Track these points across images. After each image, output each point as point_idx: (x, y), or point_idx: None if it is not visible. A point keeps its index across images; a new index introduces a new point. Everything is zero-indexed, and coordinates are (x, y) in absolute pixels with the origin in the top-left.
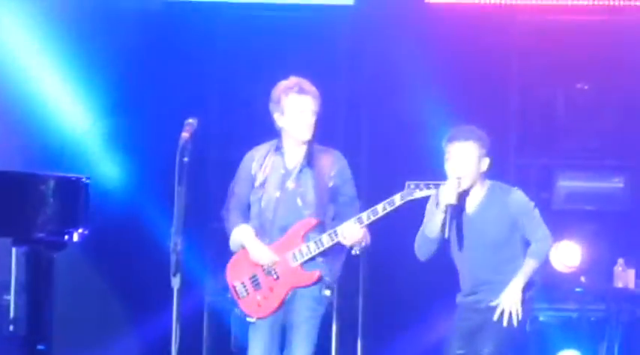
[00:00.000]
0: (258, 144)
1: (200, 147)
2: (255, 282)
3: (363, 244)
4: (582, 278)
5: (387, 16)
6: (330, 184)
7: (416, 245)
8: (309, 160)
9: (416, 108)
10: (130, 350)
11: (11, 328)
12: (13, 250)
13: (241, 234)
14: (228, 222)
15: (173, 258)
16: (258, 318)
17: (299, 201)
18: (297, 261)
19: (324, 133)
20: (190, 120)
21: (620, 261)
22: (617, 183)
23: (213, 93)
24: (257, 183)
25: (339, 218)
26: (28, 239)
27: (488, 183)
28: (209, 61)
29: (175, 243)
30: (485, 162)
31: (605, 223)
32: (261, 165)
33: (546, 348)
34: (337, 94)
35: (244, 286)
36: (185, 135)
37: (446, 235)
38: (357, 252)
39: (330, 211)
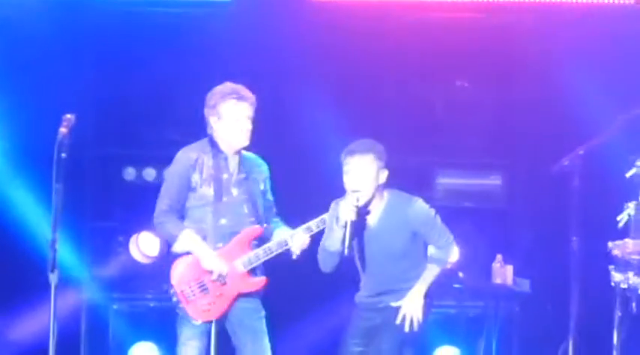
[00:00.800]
0: (137, 141)
1: (78, 144)
2: (203, 287)
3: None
4: (460, 275)
5: (265, 13)
6: (262, 189)
7: (319, 257)
8: (247, 166)
9: (296, 107)
10: (7, 346)
11: None
12: None
13: (188, 240)
14: (167, 224)
15: (50, 254)
16: (204, 322)
17: (245, 208)
18: (245, 268)
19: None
20: (68, 116)
21: (499, 257)
22: (494, 180)
23: (90, 89)
24: (197, 187)
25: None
26: None
27: (387, 193)
28: (87, 56)
29: (53, 239)
30: (384, 174)
31: (483, 220)
32: (198, 168)
33: (424, 345)
34: None
35: (191, 290)
36: (63, 130)
37: (346, 252)
38: (296, 257)
39: None
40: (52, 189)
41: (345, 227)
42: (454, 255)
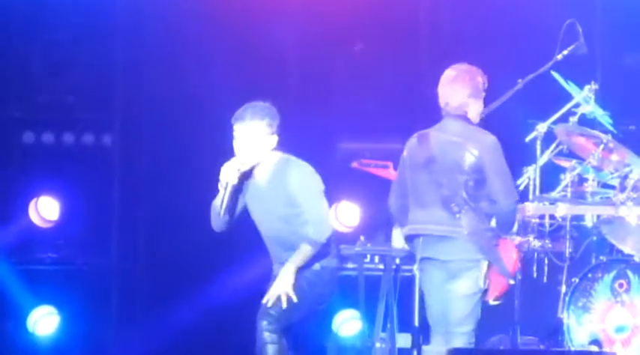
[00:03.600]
0: (35, 105)
1: None
2: None
3: None
4: (361, 238)
5: None
6: None
7: (211, 217)
8: None
9: (198, 75)
10: None
11: None
12: None
13: None
14: None
15: None
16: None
17: None
18: None
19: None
20: None
21: None
22: (394, 144)
23: None
24: None
25: None
26: None
27: (277, 156)
28: None
29: None
30: (273, 140)
31: (384, 184)
32: None
33: (326, 308)
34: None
35: None
36: None
37: (221, 214)
38: None
39: None
40: None
41: (226, 188)
42: (324, 235)
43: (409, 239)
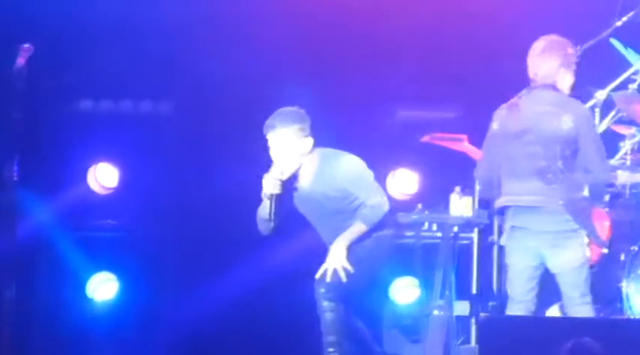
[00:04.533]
0: (93, 72)
1: (34, 74)
2: None
3: None
4: (419, 206)
5: None
6: None
7: (257, 223)
8: None
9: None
10: None
11: None
12: None
13: None
14: None
15: (10, 184)
16: None
17: None
18: None
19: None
20: (26, 46)
21: (457, 188)
22: (453, 113)
23: (46, 17)
24: None
25: None
26: None
27: (317, 153)
28: None
29: (11, 170)
30: (308, 142)
31: (443, 151)
32: None
33: (383, 275)
34: None
35: None
36: (21, 61)
37: (271, 224)
38: None
39: None
40: (8, 119)
41: (271, 199)
42: (380, 214)
43: (502, 210)
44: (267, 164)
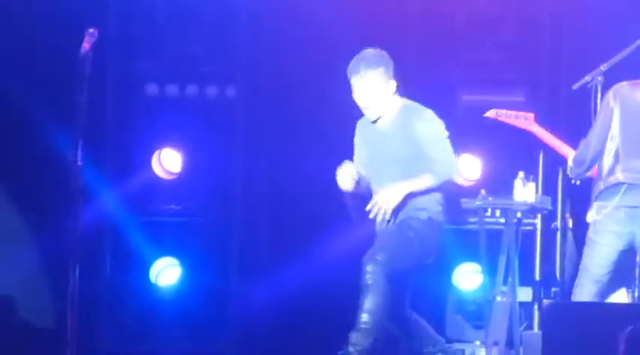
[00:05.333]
0: (159, 56)
1: (100, 58)
2: None
3: None
4: (482, 192)
5: None
6: None
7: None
8: None
9: (317, 27)
10: (29, 260)
11: None
12: None
13: None
14: None
15: (73, 170)
16: None
17: None
18: None
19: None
20: (91, 31)
21: (521, 174)
22: (517, 97)
23: (113, 2)
24: None
25: None
26: None
27: (400, 102)
28: None
29: (75, 155)
30: (392, 85)
31: (506, 137)
32: None
33: (446, 261)
34: None
35: None
36: (86, 45)
37: (353, 219)
38: None
39: None
40: (74, 104)
41: (346, 196)
42: (449, 173)
43: (619, 187)
44: (332, 149)
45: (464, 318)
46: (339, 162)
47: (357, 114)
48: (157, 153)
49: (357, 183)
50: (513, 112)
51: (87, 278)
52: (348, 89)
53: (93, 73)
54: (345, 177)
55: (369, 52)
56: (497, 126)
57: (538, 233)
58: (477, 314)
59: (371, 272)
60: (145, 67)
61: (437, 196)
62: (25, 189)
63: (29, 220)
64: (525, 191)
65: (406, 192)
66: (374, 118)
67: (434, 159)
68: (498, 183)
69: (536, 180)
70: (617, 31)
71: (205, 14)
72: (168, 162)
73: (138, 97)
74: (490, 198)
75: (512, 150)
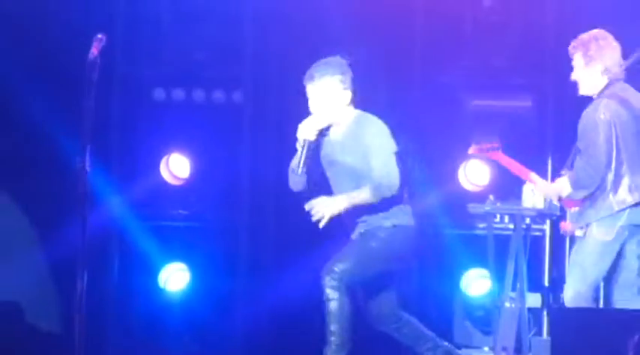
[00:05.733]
0: (166, 61)
1: (107, 63)
2: None
3: None
4: (491, 197)
5: None
6: None
7: (288, 177)
8: None
9: (322, 29)
10: (36, 266)
11: None
12: None
13: None
14: None
15: (80, 175)
16: None
17: None
18: None
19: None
20: (99, 36)
21: None
22: (524, 102)
23: (119, 8)
24: None
25: None
26: None
27: (355, 113)
28: None
29: (82, 160)
30: (347, 95)
31: (514, 142)
32: None
33: (454, 266)
34: None
35: None
36: (94, 51)
37: (299, 171)
38: None
39: None
40: (81, 109)
41: (303, 147)
42: (385, 186)
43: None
44: None
45: (472, 324)
46: None
47: None
48: (165, 158)
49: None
50: (484, 145)
51: (95, 283)
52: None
53: (100, 78)
54: (308, 126)
55: (329, 59)
56: (506, 131)
57: (547, 238)
58: (486, 320)
59: (329, 285)
60: (151, 71)
61: (402, 204)
62: (33, 194)
63: (37, 225)
64: (534, 197)
65: (343, 205)
66: (320, 126)
67: (373, 170)
68: (507, 189)
69: None
70: (624, 36)
71: (211, 18)
72: (176, 167)
73: (145, 102)
74: (499, 204)
75: (520, 156)
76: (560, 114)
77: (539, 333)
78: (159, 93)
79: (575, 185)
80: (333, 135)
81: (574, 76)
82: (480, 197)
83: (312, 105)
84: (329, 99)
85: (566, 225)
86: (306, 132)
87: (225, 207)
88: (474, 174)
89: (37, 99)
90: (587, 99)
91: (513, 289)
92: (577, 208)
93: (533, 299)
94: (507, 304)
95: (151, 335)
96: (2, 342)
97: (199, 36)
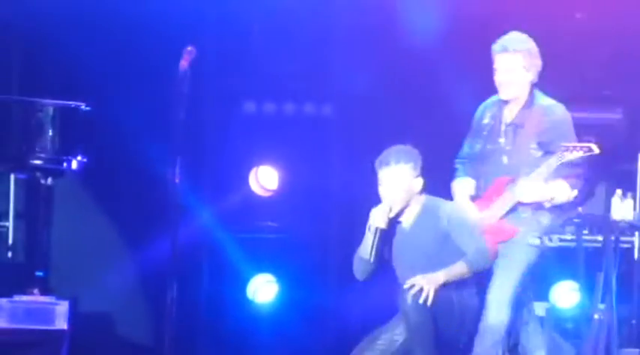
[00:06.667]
0: (257, 74)
1: (198, 76)
2: None
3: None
4: (580, 209)
5: None
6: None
7: (354, 265)
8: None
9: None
10: (127, 277)
11: (10, 255)
12: (12, 177)
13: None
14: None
15: (172, 187)
16: None
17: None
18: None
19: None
20: (189, 48)
21: (618, 191)
22: (615, 114)
23: (210, 20)
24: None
25: None
26: (27, 166)
27: (423, 198)
28: None
29: (174, 172)
30: (419, 183)
31: (604, 154)
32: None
33: (544, 279)
34: None
35: None
36: (184, 63)
37: (371, 259)
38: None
39: None
40: (172, 121)
41: (375, 234)
42: (482, 263)
43: None
44: (429, 167)
45: (562, 336)
46: (435, 180)
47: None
48: (254, 170)
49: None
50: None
51: (184, 294)
52: (442, 108)
53: (191, 90)
54: (380, 213)
55: (400, 147)
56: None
57: (636, 250)
58: (575, 333)
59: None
60: (242, 84)
61: None
62: (124, 206)
63: (128, 237)
64: (623, 208)
65: (443, 280)
66: (393, 214)
67: (467, 250)
68: (594, 201)
69: (634, 198)
70: None
71: (302, 32)
72: (265, 179)
73: (235, 115)
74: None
75: (609, 167)
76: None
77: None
78: (249, 106)
79: None
80: (405, 221)
81: None
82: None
83: (383, 190)
84: (402, 185)
85: None
86: (378, 219)
87: (313, 219)
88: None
89: (129, 111)
90: None
91: (603, 301)
92: None
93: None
94: (596, 316)
95: (240, 346)
96: (94, 353)
97: (290, 49)
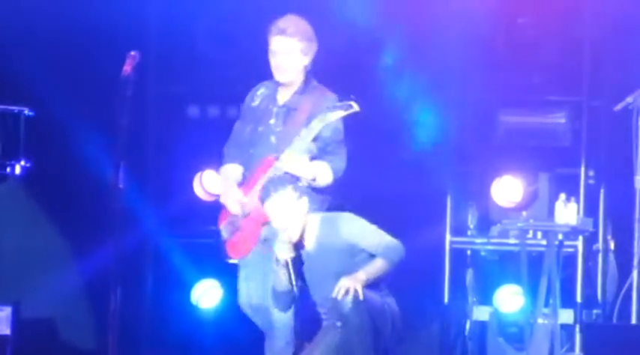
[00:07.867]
0: (200, 79)
1: (141, 81)
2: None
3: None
4: (524, 214)
5: None
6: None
7: (273, 301)
8: (297, 100)
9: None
10: (70, 283)
11: None
12: None
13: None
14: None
15: (114, 191)
16: (240, 259)
17: (273, 139)
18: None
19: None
20: (132, 53)
21: (562, 196)
22: (558, 119)
23: (153, 25)
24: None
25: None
26: None
27: (317, 217)
28: None
29: (116, 177)
30: (305, 202)
31: (547, 158)
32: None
33: (487, 283)
34: None
35: (226, 228)
36: (127, 68)
37: (295, 288)
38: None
39: None
40: (115, 126)
41: (286, 266)
42: (398, 255)
43: None
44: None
45: (505, 341)
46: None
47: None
48: (198, 174)
49: None
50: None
51: (128, 299)
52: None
53: (134, 95)
54: (284, 245)
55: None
56: (538, 147)
57: (580, 254)
58: (519, 337)
59: None
60: (185, 89)
61: None
62: (68, 212)
63: (71, 242)
64: (567, 213)
65: (365, 279)
66: (294, 239)
67: (377, 254)
68: (539, 205)
69: (577, 202)
70: None
71: (245, 36)
72: (209, 183)
73: (179, 119)
74: (531, 220)
75: (552, 171)
76: (594, 130)
77: (572, 350)
78: (194, 111)
79: None
80: (307, 241)
81: None
82: (512, 213)
83: (276, 222)
84: (292, 210)
85: None
86: (283, 252)
87: None
88: (506, 190)
89: (73, 115)
90: (622, 115)
91: (546, 305)
92: None
93: (566, 316)
94: (540, 320)
95: (184, 351)
96: None
97: (234, 52)
